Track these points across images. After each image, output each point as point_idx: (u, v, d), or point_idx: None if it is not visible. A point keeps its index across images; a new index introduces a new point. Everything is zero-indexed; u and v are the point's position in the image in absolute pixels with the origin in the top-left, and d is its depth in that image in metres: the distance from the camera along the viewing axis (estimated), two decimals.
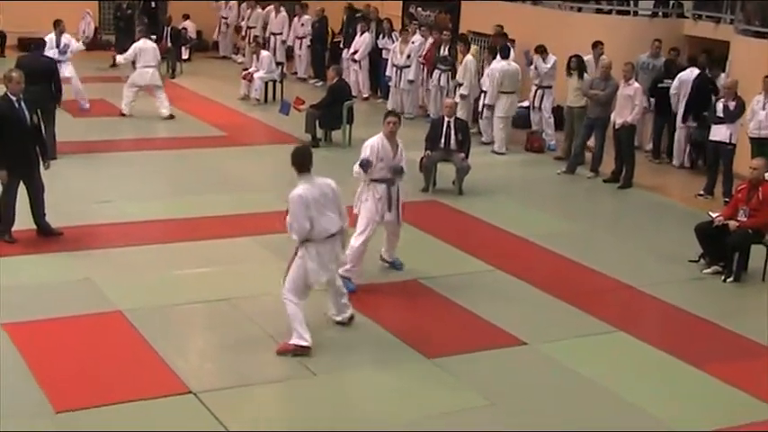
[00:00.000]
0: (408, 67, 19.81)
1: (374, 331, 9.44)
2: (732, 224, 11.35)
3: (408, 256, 11.32)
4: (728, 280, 11.30)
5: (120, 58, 19.71)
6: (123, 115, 18.44)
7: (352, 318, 9.55)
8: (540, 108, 17.92)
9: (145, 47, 18.75)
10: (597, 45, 17.33)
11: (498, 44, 18.13)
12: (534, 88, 17.92)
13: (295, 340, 8.80)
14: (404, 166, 10.73)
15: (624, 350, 9.40)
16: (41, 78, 13.91)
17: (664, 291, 10.88)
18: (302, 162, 8.82)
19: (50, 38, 17.82)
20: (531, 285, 10.87)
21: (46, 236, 11.48)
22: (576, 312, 10.17)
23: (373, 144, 10.54)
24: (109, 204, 12.98)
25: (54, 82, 14.50)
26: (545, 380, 8.67)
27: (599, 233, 13.10)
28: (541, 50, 17.72)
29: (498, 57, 17.50)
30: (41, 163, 11.46)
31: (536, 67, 17.77)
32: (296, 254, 8.90)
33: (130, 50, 18.95)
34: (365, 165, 10.40)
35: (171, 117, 18.50)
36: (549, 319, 10.02)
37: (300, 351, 8.77)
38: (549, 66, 17.62)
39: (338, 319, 9.50)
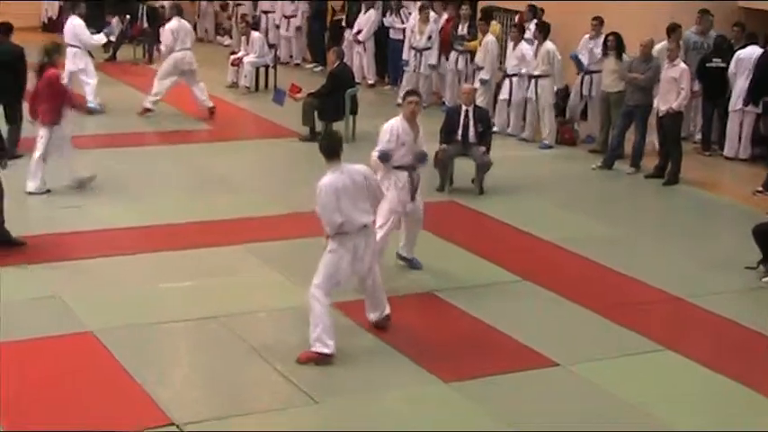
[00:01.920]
0: (429, 49, 19.76)
1: (383, 351, 9.43)
2: None
3: (423, 264, 11.34)
4: None
5: (162, 50, 18.74)
6: (148, 110, 18.06)
7: (388, 317, 9.77)
8: (589, 96, 17.66)
9: (181, 26, 18.28)
10: (675, 29, 16.47)
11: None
12: (581, 74, 17.66)
13: (317, 348, 8.99)
14: (425, 150, 11.12)
15: (673, 371, 9.38)
16: (4, 68, 14.01)
17: (717, 303, 10.86)
18: (332, 148, 9.12)
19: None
20: (564, 298, 10.86)
21: (6, 246, 11.48)
22: (615, 328, 10.16)
23: (393, 126, 10.81)
24: (78, 209, 13.00)
25: (19, 72, 14.59)
26: (580, 406, 8.64)
27: (641, 237, 13.08)
28: (598, 24, 17.38)
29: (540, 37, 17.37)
30: None
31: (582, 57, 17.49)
32: (326, 247, 9.14)
33: (166, 35, 18.33)
34: (386, 158, 10.66)
35: (212, 111, 18.35)
36: (585, 337, 10.00)
37: (323, 360, 8.99)
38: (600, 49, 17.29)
39: (374, 318, 9.75)
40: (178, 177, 14.84)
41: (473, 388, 8.80)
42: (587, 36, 17.55)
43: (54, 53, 13.71)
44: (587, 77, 17.52)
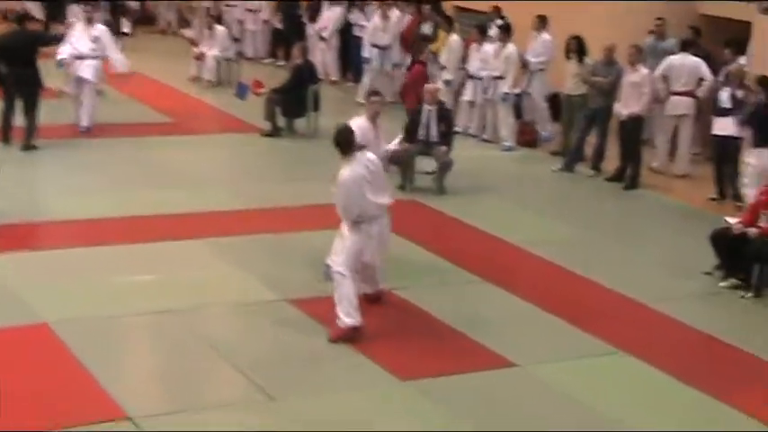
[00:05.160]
0: (390, 47, 19.75)
1: (339, 349, 9.39)
2: (752, 231, 11.39)
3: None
4: (748, 295, 11.32)
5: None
6: None
7: (383, 293, 10.25)
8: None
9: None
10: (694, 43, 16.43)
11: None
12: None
13: (347, 321, 9.34)
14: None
15: (629, 375, 9.41)
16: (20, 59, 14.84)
17: (674, 307, 10.89)
18: (347, 142, 9.51)
19: None
20: (523, 299, 10.87)
21: None
22: (573, 331, 10.17)
23: (359, 126, 10.90)
24: (37, 200, 12.89)
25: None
26: (537, 407, 8.66)
27: (601, 240, 13.12)
28: (541, 23, 17.61)
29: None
30: None
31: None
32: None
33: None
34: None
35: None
36: (543, 338, 10.01)
37: (351, 333, 9.40)
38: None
39: (369, 290, 10.14)
40: (138, 170, 14.72)
41: (429, 387, 8.78)
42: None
43: (428, 46, 17.50)
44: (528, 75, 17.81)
